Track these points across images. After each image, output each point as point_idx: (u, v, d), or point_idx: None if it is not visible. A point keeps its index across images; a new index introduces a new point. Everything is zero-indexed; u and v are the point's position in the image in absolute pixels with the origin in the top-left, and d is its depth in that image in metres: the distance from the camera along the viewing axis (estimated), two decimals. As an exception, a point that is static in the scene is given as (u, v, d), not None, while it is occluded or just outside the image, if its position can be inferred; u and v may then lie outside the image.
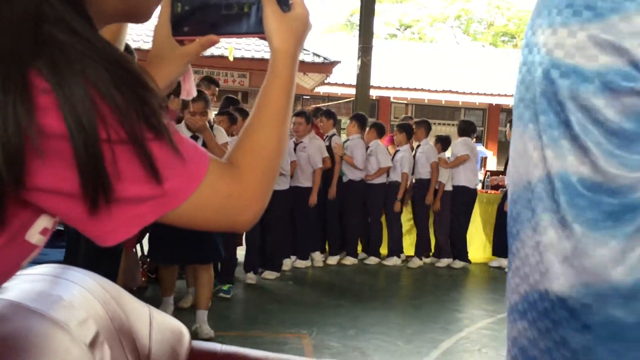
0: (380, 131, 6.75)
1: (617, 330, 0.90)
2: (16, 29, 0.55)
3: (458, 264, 6.63)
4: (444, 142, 6.86)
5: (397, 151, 6.69)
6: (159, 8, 0.81)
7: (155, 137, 0.60)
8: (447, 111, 15.13)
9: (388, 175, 6.60)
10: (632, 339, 0.89)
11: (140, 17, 0.76)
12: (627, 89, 0.88)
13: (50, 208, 0.61)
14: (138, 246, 4.63)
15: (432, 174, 6.54)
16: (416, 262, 6.63)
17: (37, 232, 0.65)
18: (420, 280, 6.08)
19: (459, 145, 6.63)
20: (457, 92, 14.45)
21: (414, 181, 6.74)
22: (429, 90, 14.31)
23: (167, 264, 3.96)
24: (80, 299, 1.11)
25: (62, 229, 3.48)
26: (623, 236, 0.89)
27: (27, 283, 1.07)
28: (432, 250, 6.85)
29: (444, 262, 6.66)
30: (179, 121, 4.09)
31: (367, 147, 6.56)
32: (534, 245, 0.98)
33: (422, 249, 6.75)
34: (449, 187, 6.61)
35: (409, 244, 6.91)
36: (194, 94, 0.97)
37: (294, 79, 0.81)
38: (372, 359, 3.55)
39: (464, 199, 6.60)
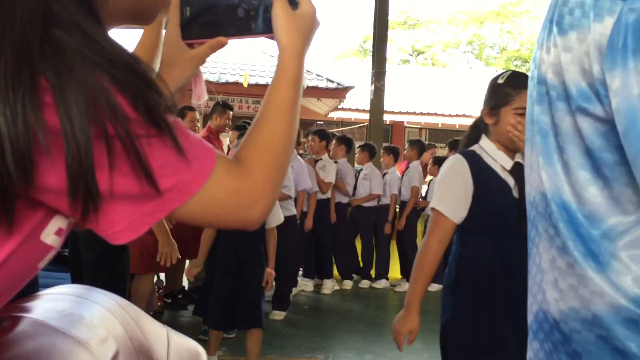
0: (371, 153, 6.64)
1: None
2: (26, 27, 0.55)
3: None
4: (440, 164, 6.81)
5: (385, 173, 6.62)
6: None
7: (156, 135, 0.61)
8: (461, 135, 15.12)
9: (379, 200, 6.52)
10: None
11: (148, 18, 0.77)
12: (583, 109, 0.82)
13: (60, 207, 0.61)
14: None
15: (410, 197, 6.40)
16: (403, 286, 6.51)
17: (51, 232, 0.64)
18: (437, 304, 6.01)
19: None
20: (470, 117, 14.44)
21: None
22: (443, 115, 14.33)
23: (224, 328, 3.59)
24: (100, 319, 1.12)
25: (65, 253, 3.42)
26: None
27: (49, 302, 1.09)
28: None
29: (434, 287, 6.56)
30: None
31: (361, 170, 6.51)
32: (537, 263, 0.95)
33: (407, 271, 6.65)
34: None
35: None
36: (205, 97, 0.98)
37: (301, 76, 0.81)
38: (389, 384, 3.52)
39: None
